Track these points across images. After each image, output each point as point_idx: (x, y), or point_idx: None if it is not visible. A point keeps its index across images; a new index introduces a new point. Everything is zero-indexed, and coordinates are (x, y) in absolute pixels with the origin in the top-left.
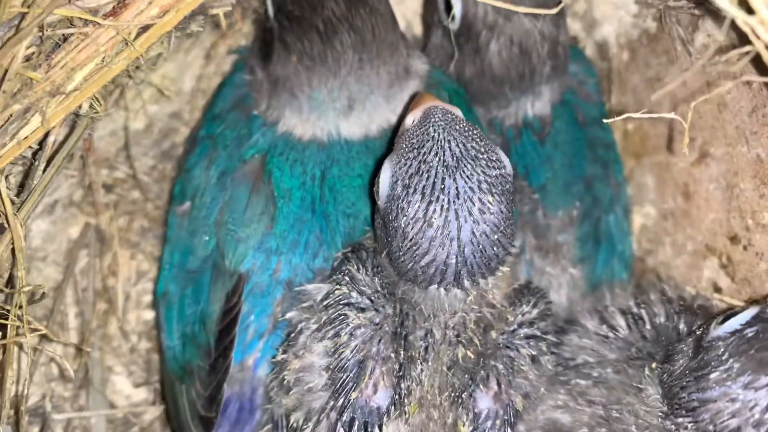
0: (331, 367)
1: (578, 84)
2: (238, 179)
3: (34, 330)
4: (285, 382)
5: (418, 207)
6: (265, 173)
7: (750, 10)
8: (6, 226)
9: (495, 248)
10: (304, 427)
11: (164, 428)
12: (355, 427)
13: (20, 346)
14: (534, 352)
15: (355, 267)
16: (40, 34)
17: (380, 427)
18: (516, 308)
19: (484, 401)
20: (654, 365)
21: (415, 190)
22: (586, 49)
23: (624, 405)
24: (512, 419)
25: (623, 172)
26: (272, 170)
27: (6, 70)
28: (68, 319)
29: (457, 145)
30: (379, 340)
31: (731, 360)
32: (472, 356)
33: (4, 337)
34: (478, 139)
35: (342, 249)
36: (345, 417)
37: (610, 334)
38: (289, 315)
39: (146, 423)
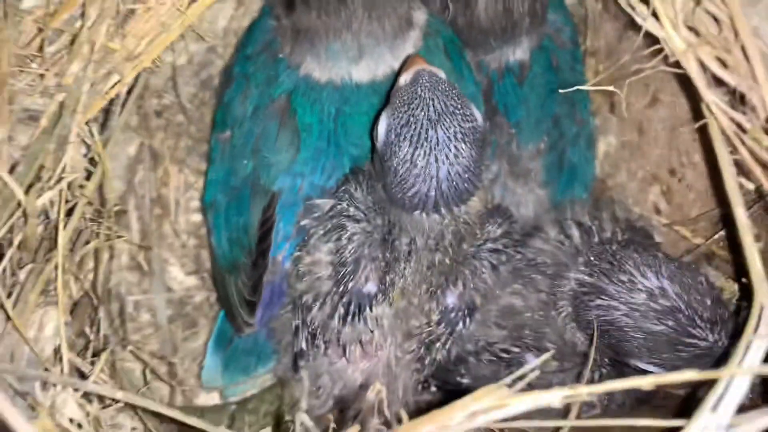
0: (334, 263)
1: (555, 32)
2: (269, 115)
3: (119, 236)
4: (300, 272)
5: (407, 151)
6: (290, 111)
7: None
8: (98, 160)
9: (466, 184)
10: (313, 305)
11: (210, 308)
12: (351, 306)
13: (111, 248)
14: (494, 262)
15: (354, 187)
16: (117, 11)
17: (370, 308)
18: (485, 227)
19: (452, 298)
20: None
21: (405, 137)
22: None
23: (559, 294)
24: (470, 312)
25: (589, 109)
26: (296, 108)
27: (94, 43)
28: (132, 222)
29: (439, 103)
30: (370, 245)
31: None
32: (447, 261)
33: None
34: (456, 98)
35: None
36: (344, 299)
37: (566, 242)
38: (303, 222)
39: (197, 303)
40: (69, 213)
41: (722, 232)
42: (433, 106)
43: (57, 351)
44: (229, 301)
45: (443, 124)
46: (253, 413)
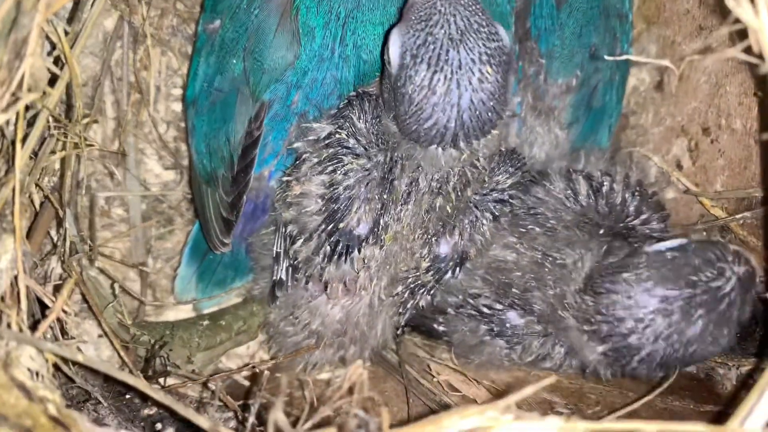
0: (325, 197)
1: None
2: (267, 10)
3: (89, 145)
4: (287, 200)
5: (424, 76)
6: (293, 8)
7: None
8: (64, 62)
9: (490, 114)
10: (298, 238)
11: (189, 206)
12: (339, 247)
13: (78, 155)
14: (497, 213)
15: (357, 115)
16: None
17: (359, 250)
18: (493, 175)
19: (445, 247)
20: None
21: (422, 60)
22: None
23: (557, 259)
24: (461, 262)
25: (631, 41)
26: (300, 6)
27: None
28: (106, 107)
29: (462, 19)
30: (367, 184)
31: (645, 269)
32: (448, 208)
33: (64, 148)
34: (480, 14)
35: (354, 90)
36: (332, 238)
37: (571, 197)
38: (296, 145)
39: (174, 202)
40: (30, 124)
41: (743, 216)
42: (455, 24)
43: (14, 284)
44: (205, 215)
45: (466, 44)
46: (226, 330)
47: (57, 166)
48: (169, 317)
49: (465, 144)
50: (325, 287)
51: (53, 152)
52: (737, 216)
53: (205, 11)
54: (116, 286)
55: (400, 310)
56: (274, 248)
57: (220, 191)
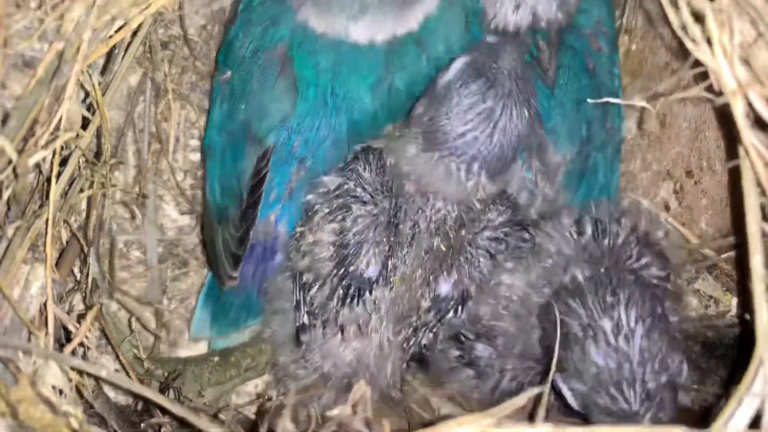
0: (336, 244)
1: (593, 34)
2: (268, 59)
3: (114, 186)
4: (301, 249)
5: (481, 85)
6: (289, 59)
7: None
8: (96, 108)
9: (509, 152)
10: (313, 285)
11: (203, 250)
12: (351, 290)
13: (104, 195)
14: (492, 251)
15: (362, 166)
16: None
17: (370, 292)
18: (485, 214)
19: (445, 287)
20: None
21: (482, 74)
22: None
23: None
24: (464, 301)
25: (622, 114)
26: (295, 57)
27: None
28: (128, 156)
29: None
30: (375, 228)
31: None
32: (443, 248)
33: (91, 187)
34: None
35: (347, 137)
36: (344, 282)
37: (575, 233)
38: (308, 198)
39: (189, 244)
40: (63, 163)
41: (727, 255)
42: (516, 71)
43: (42, 310)
44: (215, 251)
45: (518, 84)
46: (235, 366)
47: (84, 206)
48: (182, 354)
49: (476, 171)
50: (341, 331)
51: (81, 190)
52: (722, 256)
53: (219, 65)
54: (133, 320)
55: (404, 346)
56: (294, 296)
57: (230, 227)
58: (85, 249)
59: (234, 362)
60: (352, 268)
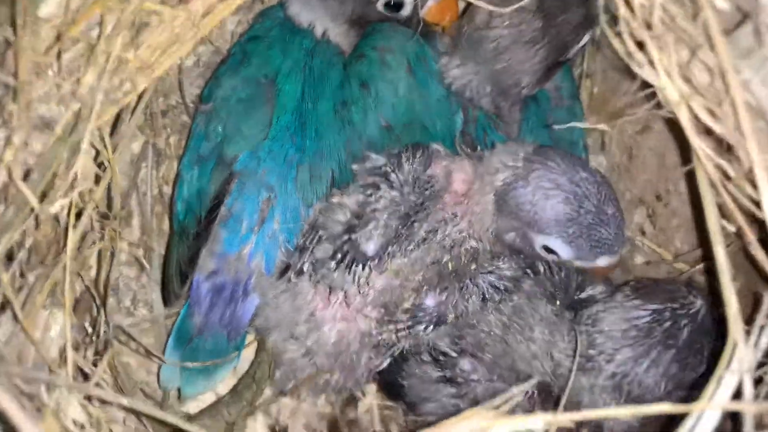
0: (353, 212)
1: (555, 89)
2: (254, 91)
3: (123, 239)
4: (326, 206)
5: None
6: (276, 90)
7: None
8: (106, 166)
9: None
10: (321, 240)
11: None
12: (348, 257)
13: (112, 247)
14: (486, 296)
15: (406, 158)
16: (133, 22)
17: (363, 266)
18: (496, 260)
19: (431, 301)
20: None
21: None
22: None
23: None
24: (438, 322)
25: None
26: (282, 88)
27: (109, 54)
28: (133, 218)
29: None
30: (391, 213)
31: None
32: (449, 267)
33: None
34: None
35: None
36: (345, 247)
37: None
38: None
39: None
40: (78, 216)
41: (701, 266)
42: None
43: (62, 352)
44: (168, 272)
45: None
46: (247, 388)
47: (93, 261)
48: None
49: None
50: (329, 292)
51: (93, 243)
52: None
53: (202, 100)
54: (144, 370)
55: (379, 350)
56: (302, 241)
57: (184, 245)
58: (97, 301)
59: (242, 389)
60: (354, 236)
